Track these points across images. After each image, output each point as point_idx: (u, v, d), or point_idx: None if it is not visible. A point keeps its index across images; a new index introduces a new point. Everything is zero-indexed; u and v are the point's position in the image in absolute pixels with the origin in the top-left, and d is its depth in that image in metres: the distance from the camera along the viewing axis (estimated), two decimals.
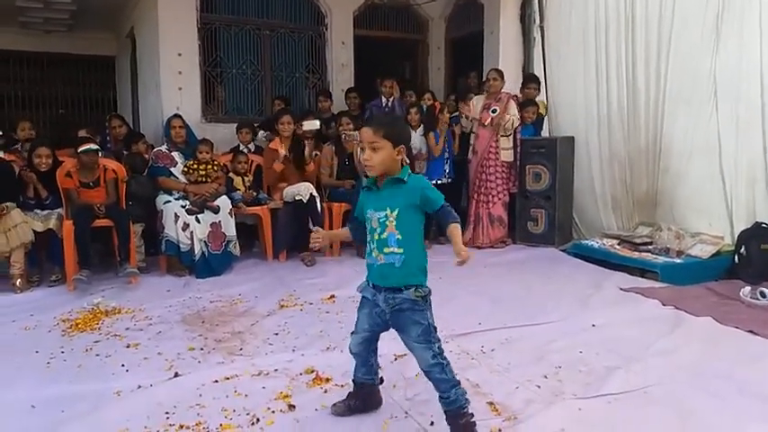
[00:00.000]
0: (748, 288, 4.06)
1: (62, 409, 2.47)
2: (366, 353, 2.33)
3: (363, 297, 2.28)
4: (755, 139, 4.60)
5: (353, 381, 2.41)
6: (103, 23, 8.92)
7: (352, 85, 7.27)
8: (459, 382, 2.16)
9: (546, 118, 6.32)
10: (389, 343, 2.44)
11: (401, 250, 2.13)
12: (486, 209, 5.97)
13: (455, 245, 2.09)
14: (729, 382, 2.68)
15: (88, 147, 4.64)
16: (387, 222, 2.14)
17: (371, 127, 2.16)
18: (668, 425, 2.32)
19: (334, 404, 2.41)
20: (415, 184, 2.16)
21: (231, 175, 5.46)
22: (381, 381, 2.43)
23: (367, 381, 2.38)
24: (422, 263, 2.18)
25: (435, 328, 2.17)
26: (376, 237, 2.17)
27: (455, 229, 2.11)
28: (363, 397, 2.40)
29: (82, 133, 5.26)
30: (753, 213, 4.70)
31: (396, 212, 2.12)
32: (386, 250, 2.14)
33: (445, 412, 2.15)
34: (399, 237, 2.12)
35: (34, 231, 4.43)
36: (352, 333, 2.35)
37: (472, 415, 2.16)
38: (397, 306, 2.14)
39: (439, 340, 2.16)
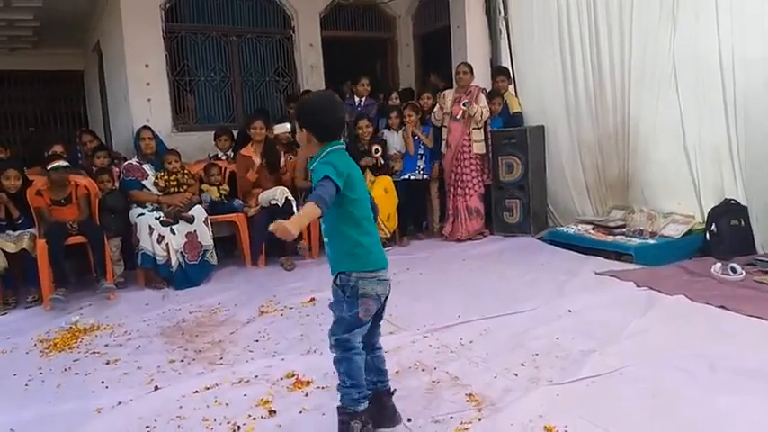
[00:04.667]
0: (719, 264, 4.15)
1: (42, 430, 2.46)
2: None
3: None
4: (718, 119, 4.69)
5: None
6: (69, 38, 8.83)
7: (323, 87, 7.27)
8: (348, 385, 2.12)
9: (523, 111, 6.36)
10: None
11: (327, 239, 2.16)
12: (463, 202, 6.03)
13: (291, 218, 1.95)
14: (701, 358, 2.74)
15: (57, 164, 4.58)
16: None
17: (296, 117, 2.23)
18: (643, 403, 2.37)
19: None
20: (315, 169, 2.08)
21: (205, 186, 5.43)
22: (391, 391, 2.30)
23: (373, 385, 2.26)
24: (347, 248, 2.10)
25: (348, 322, 2.11)
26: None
27: (306, 205, 1.96)
28: (374, 410, 2.23)
29: (57, 149, 5.19)
30: (721, 191, 4.79)
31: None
32: (324, 240, 2.19)
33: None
34: (324, 226, 2.15)
35: (8, 253, 4.38)
36: None
37: (349, 424, 2.10)
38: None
39: (345, 332, 2.11)
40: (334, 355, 2.15)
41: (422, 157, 6.11)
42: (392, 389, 2.31)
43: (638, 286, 3.94)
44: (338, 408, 2.16)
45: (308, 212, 1.95)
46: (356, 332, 2.13)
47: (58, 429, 2.46)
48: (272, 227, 1.92)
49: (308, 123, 2.14)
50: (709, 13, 4.61)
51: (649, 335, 3.11)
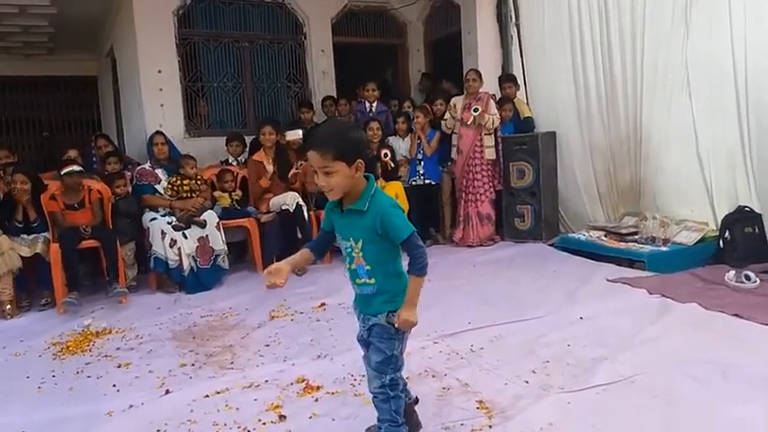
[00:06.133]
0: (733, 272, 4.11)
1: None
2: None
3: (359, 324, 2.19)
4: (731, 125, 4.65)
5: None
6: (83, 44, 8.93)
7: (334, 93, 7.30)
8: (400, 423, 2.04)
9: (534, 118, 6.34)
10: None
11: (372, 280, 1.98)
12: (474, 207, 6.02)
13: (405, 303, 1.93)
14: (714, 367, 2.71)
15: (71, 169, 4.64)
16: (353, 254, 1.99)
17: (317, 150, 1.87)
18: (655, 412, 2.35)
19: (369, 428, 2.24)
20: (375, 209, 1.92)
21: (217, 193, 5.46)
22: (416, 400, 2.28)
23: None
24: (397, 288, 1.99)
25: (396, 359, 2.03)
26: (347, 267, 2.05)
27: (414, 282, 1.93)
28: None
29: (72, 153, 5.25)
30: (734, 198, 4.75)
31: (359, 243, 1.96)
32: (358, 281, 2.02)
33: None
34: (368, 267, 1.97)
35: (22, 257, 4.42)
36: None
37: None
38: (370, 327, 2.05)
39: (396, 371, 2.03)
40: (383, 395, 2.01)
41: (420, 162, 6.10)
42: (417, 398, 2.30)
43: (651, 294, 3.91)
44: None
45: (418, 288, 1.94)
46: (401, 370, 2.08)
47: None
48: (400, 326, 1.94)
49: (361, 156, 1.92)
50: (722, 18, 4.58)
51: (662, 343, 3.09)
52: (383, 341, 2.00)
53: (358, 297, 2.09)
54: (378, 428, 2.08)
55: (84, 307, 4.39)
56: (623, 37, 5.32)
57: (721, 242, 4.67)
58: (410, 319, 1.93)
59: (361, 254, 1.97)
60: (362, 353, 2.16)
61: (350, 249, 2.01)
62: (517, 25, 6.51)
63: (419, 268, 1.92)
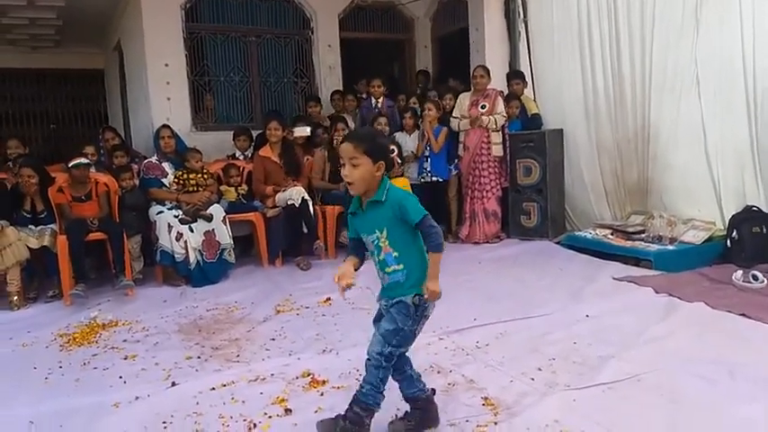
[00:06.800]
0: (740, 272, 4.09)
1: (60, 423, 2.48)
2: (398, 363, 2.21)
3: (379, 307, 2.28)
4: (741, 125, 4.63)
5: (405, 399, 2.30)
6: (90, 38, 8.94)
7: (341, 88, 7.30)
8: (381, 390, 2.13)
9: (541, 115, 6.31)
10: None
11: (401, 266, 2.14)
12: (480, 204, 6.01)
13: (429, 277, 2.10)
14: (720, 366, 2.70)
15: (78, 161, 4.65)
16: (380, 244, 2.15)
17: (351, 142, 2.13)
18: (661, 411, 2.35)
19: (391, 422, 2.29)
20: (392, 198, 2.14)
21: (223, 188, 5.47)
22: (433, 391, 2.33)
23: (415, 394, 2.26)
24: (425, 269, 2.15)
25: (405, 335, 2.14)
26: (376, 259, 2.19)
27: (433, 258, 2.12)
28: (421, 412, 2.27)
29: (88, 150, 5.26)
30: (742, 197, 4.73)
31: (384, 232, 2.13)
32: (387, 270, 2.16)
33: (354, 396, 2.18)
34: (396, 254, 2.14)
35: (29, 248, 4.44)
36: None
37: (363, 420, 2.12)
38: (392, 304, 2.17)
39: (398, 347, 2.13)
40: (376, 361, 2.12)
41: (427, 159, 6.08)
42: (434, 389, 2.36)
43: (657, 293, 3.90)
44: (358, 401, 2.14)
45: (437, 263, 2.12)
46: (405, 348, 2.19)
47: (76, 423, 2.48)
48: (429, 297, 2.11)
49: (385, 160, 2.15)
50: (732, 17, 4.55)
51: (668, 342, 3.08)
52: (400, 314, 2.14)
53: (385, 288, 2.21)
54: (360, 386, 2.17)
55: (91, 299, 4.41)
56: (632, 34, 5.29)
57: (729, 242, 4.64)
58: (436, 290, 2.10)
59: (387, 242, 2.14)
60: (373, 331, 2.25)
61: (377, 241, 2.15)
62: (525, 22, 6.49)
63: (435, 245, 2.11)
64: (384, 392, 2.16)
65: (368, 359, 2.16)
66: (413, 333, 2.17)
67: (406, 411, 2.30)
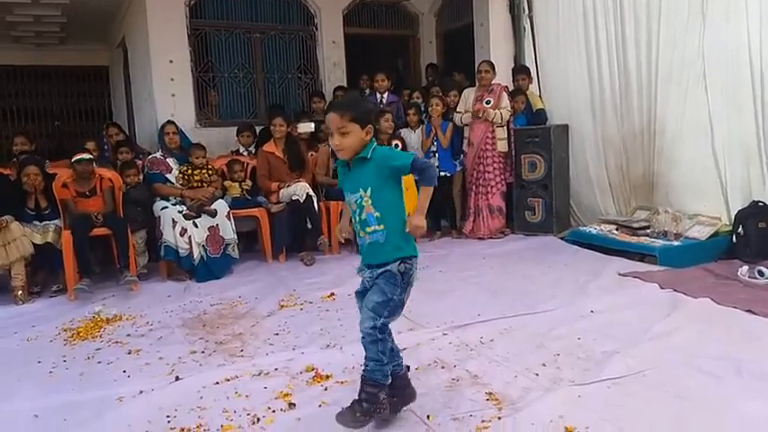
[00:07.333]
0: (746, 267, 4.07)
1: (64, 417, 2.49)
2: None
3: (362, 280, 2.30)
4: (747, 119, 4.59)
5: None
6: (95, 34, 8.96)
7: (345, 84, 7.29)
8: (385, 363, 2.16)
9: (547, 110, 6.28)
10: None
11: (382, 227, 2.17)
12: (485, 200, 6.00)
13: (417, 210, 2.14)
14: (727, 362, 2.68)
15: (81, 156, 4.66)
16: (363, 203, 2.18)
17: (337, 112, 2.16)
18: (666, 407, 2.33)
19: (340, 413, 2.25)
20: (378, 156, 2.17)
21: (227, 183, 5.47)
22: (408, 368, 2.39)
23: (394, 369, 2.27)
24: (402, 238, 2.19)
25: (395, 304, 2.16)
26: (357, 219, 2.22)
27: (423, 192, 2.17)
28: (398, 391, 2.30)
29: (90, 145, 5.27)
30: (748, 193, 4.70)
31: (369, 191, 2.17)
32: (368, 229, 2.19)
33: (361, 377, 2.20)
34: (378, 215, 2.17)
35: (34, 244, 4.45)
36: None
37: (377, 395, 2.14)
38: (378, 275, 2.19)
39: (390, 316, 2.16)
40: (371, 337, 2.14)
41: (435, 155, 6.06)
42: (409, 366, 2.41)
43: (662, 288, 3.87)
44: (366, 380, 2.16)
45: (427, 197, 2.18)
46: (395, 317, 2.21)
47: (80, 416, 2.48)
48: (411, 231, 2.14)
49: (372, 123, 2.22)
50: (739, 11, 4.52)
51: (673, 337, 3.06)
52: (388, 284, 2.16)
53: (365, 250, 2.25)
54: (365, 366, 2.19)
55: (96, 294, 4.42)
56: (638, 28, 5.26)
57: (734, 237, 4.62)
58: (420, 224, 2.14)
59: (370, 201, 2.17)
60: (358, 305, 2.28)
61: (359, 200, 2.19)
62: (530, 17, 6.45)
63: (428, 178, 2.17)
64: (389, 364, 2.18)
65: (362, 337, 2.17)
66: (401, 302, 2.20)
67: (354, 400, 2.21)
